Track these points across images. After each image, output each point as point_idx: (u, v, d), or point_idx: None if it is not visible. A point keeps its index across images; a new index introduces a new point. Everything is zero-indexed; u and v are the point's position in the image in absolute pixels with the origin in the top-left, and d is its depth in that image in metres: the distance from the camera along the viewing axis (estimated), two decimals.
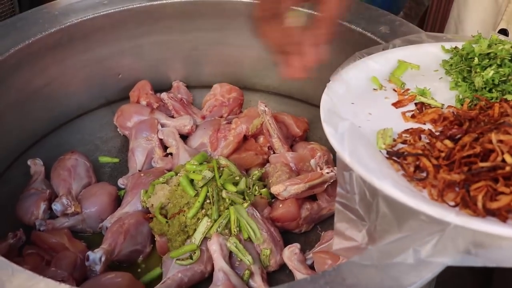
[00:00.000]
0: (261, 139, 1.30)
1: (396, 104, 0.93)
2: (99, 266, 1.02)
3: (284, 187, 1.12)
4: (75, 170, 1.22)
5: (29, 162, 1.24)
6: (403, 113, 0.90)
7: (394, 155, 0.79)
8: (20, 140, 1.29)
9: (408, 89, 0.96)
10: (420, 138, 0.83)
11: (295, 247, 1.08)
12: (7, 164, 1.26)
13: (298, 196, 1.14)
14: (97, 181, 1.25)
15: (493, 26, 1.29)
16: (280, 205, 1.14)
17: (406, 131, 0.85)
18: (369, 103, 0.92)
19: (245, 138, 1.30)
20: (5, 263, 0.77)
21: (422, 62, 1.01)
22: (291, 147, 1.30)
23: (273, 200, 1.16)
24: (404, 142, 0.83)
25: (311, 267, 1.08)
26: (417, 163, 0.77)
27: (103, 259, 1.03)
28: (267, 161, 1.26)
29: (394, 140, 0.83)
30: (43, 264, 1.05)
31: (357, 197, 0.78)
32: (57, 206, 1.13)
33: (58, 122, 1.36)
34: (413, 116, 0.90)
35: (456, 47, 1.00)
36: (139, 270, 1.10)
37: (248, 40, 1.39)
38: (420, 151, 0.78)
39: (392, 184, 0.71)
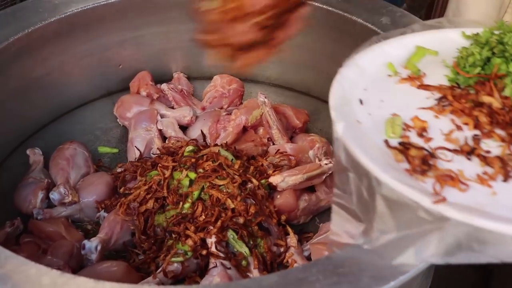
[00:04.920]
0: (261, 130, 1.29)
1: (421, 87, 0.89)
2: (95, 255, 1.02)
3: (282, 178, 1.11)
4: (74, 159, 1.22)
5: (28, 152, 1.25)
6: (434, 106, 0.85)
7: (402, 145, 0.76)
8: (20, 130, 1.30)
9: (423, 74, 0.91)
10: None
11: None
12: (7, 153, 1.26)
13: (296, 187, 1.13)
14: (95, 171, 1.24)
15: (496, 20, 1.27)
16: (278, 196, 1.13)
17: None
18: (382, 89, 0.88)
19: (245, 129, 1.29)
20: None
21: (442, 48, 0.94)
22: (291, 139, 1.30)
23: (271, 191, 1.15)
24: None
25: (309, 258, 1.08)
26: (425, 154, 0.74)
27: (99, 248, 1.03)
28: (267, 152, 1.25)
29: (403, 130, 0.80)
30: (39, 253, 1.05)
31: (354, 197, 0.75)
32: (54, 195, 1.13)
33: (58, 112, 1.36)
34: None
35: (477, 33, 0.94)
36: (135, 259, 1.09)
37: None
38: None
39: (393, 176, 0.69)
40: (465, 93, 0.85)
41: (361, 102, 0.84)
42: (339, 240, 0.76)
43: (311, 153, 1.21)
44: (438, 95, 0.86)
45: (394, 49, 0.94)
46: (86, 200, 1.15)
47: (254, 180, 1.10)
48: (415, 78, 0.90)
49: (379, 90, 0.88)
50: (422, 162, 0.73)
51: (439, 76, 0.90)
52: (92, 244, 1.03)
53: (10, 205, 1.17)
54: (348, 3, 1.25)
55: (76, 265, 1.05)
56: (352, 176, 0.75)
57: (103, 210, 1.13)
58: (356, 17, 1.22)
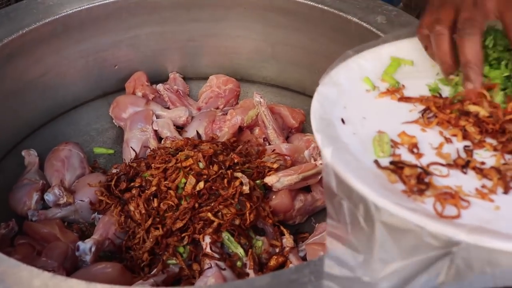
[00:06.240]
0: (257, 130, 1.29)
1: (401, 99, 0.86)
2: (89, 256, 1.02)
3: (277, 178, 1.11)
4: (69, 160, 1.22)
5: (23, 153, 1.24)
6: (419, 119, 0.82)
7: (394, 165, 0.73)
8: (16, 131, 1.30)
9: (402, 87, 0.88)
10: None
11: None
12: (2, 155, 1.26)
13: (292, 187, 1.13)
14: (91, 172, 1.24)
15: None
16: (274, 197, 1.13)
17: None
18: (363, 106, 0.84)
19: (241, 129, 1.29)
20: None
21: (417, 57, 0.91)
22: (287, 139, 1.29)
23: (266, 192, 1.15)
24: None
25: (304, 259, 1.07)
26: (420, 172, 0.71)
27: (93, 249, 1.02)
28: (263, 152, 1.25)
29: (392, 147, 0.76)
30: (34, 254, 1.05)
31: (349, 226, 0.70)
32: (49, 197, 1.12)
33: (54, 113, 1.36)
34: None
35: None
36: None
37: (245, 31, 1.40)
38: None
39: (392, 200, 0.64)
40: (448, 103, 0.82)
41: (343, 121, 0.80)
42: (335, 274, 0.71)
43: (306, 153, 1.21)
44: (421, 107, 0.83)
45: (369, 62, 0.90)
46: (81, 201, 1.15)
47: (239, 174, 1.10)
48: (395, 91, 0.86)
49: (359, 106, 0.84)
50: (418, 181, 0.70)
51: (419, 86, 0.87)
52: (87, 246, 1.03)
53: (5, 207, 1.17)
54: (344, 2, 1.24)
55: (71, 266, 1.04)
56: (346, 203, 0.70)
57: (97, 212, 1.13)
58: (351, 17, 1.21)
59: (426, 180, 0.70)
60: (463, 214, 0.66)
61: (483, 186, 0.70)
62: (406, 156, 0.75)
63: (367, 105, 0.85)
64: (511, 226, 0.63)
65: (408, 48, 0.92)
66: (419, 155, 0.75)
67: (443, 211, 0.66)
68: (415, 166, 0.72)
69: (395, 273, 0.67)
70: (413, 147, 0.76)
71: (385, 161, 0.73)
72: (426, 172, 0.71)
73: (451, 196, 0.67)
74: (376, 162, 0.73)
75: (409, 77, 0.89)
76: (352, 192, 0.68)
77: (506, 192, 0.69)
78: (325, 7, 1.24)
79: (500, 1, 0.81)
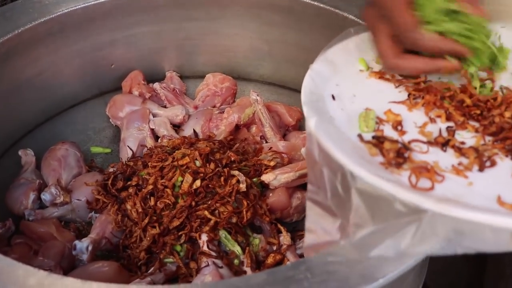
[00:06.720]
0: (254, 128, 1.29)
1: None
2: (86, 255, 1.02)
3: (274, 176, 1.11)
4: (66, 160, 1.21)
5: (20, 152, 1.24)
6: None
7: (376, 139, 0.76)
8: (12, 130, 1.29)
9: None
10: None
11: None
12: None
13: (289, 185, 1.13)
14: (88, 171, 1.24)
15: None
16: (271, 194, 1.13)
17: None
18: (355, 84, 0.89)
19: (238, 127, 1.29)
20: None
21: None
22: (284, 137, 1.29)
23: (263, 189, 1.15)
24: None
25: (301, 256, 1.07)
26: (400, 147, 0.74)
27: (90, 248, 1.02)
28: (260, 150, 1.25)
29: (377, 123, 0.80)
30: (31, 254, 1.05)
31: (328, 192, 0.75)
32: (46, 196, 1.12)
33: (50, 112, 1.36)
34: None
35: None
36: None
37: (241, 29, 1.40)
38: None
39: (368, 170, 0.69)
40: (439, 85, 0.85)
41: (333, 97, 0.84)
42: (314, 238, 0.75)
43: (303, 150, 1.20)
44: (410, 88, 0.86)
45: (366, 43, 0.93)
46: (77, 200, 1.15)
47: (236, 172, 1.10)
48: (385, 73, 0.90)
49: (351, 85, 0.88)
50: (396, 155, 0.73)
51: None
52: (83, 245, 1.02)
53: (1, 206, 1.16)
54: (340, 0, 1.24)
55: (68, 265, 1.04)
56: (326, 171, 0.74)
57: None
58: (347, 14, 1.21)
59: (406, 155, 0.73)
60: (437, 187, 0.69)
61: (460, 164, 0.73)
62: (389, 132, 0.79)
63: (358, 84, 0.89)
64: (481, 200, 0.67)
65: None
66: (402, 132, 0.79)
67: (417, 183, 0.69)
68: (396, 141, 0.75)
69: (367, 236, 0.70)
70: (397, 125, 0.79)
71: (368, 136, 0.77)
72: (406, 147, 0.74)
73: (426, 170, 0.71)
74: (359, 136, 0.77)
75: None
76: (332, 160, 0.72)
77: (481, 170, 0.72)
78: (321, 5, 1.24)
79: None
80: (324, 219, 0.76)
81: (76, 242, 1.03)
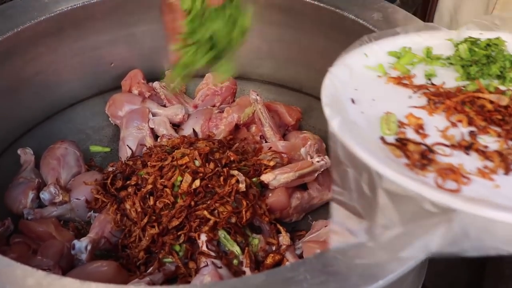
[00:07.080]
0: (253, 128, 1.29)
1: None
2: (85, 255, 1.02)
3: (274, 176, 1.11)
4: (65, 159, 1.21)
5: (19, 151, 1.24)
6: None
7: (399, 141, 0.76)
8: (11, 129, 1.29)
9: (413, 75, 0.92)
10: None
11: None
12: None
13: (288, 185, 1.12)
14: (87, 170, 1.24)
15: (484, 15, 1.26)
16: (270, 194, 1.12)
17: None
18: (373, 89, 0.88)
19: (237, 127, 1.29)
20: None
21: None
22: (284, 136, 1.29)
23: (263, 189, 1.15)
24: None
25: (301, 256, 1.07)
26: (423, 149, 0.74)
27: (89, 247, 1.02)
28: (259, 150, 1.24)
29: (398, 127, 0.79)
30: (30, 253, 1.05)
31: (354, 193, 0.74)
32: (44, 195, 1.12)
33: (50, 111, 1.36)
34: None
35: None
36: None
37: None
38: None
39: (395, 170, 0.68)
40: (453, 92, 0.85)
41: (353, 101, 0.84)
42: (340, 240, 0.74)
43: (303, 150, 1.20)
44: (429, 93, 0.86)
45: (383, 49, 0.94)
46: (77, 199, 1.15)
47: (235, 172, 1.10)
48: (405, 78, 0.90)
49: (370, 89, 0.88)
50: (421, 157, 0.73)
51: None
52: (82, 244, 1.02)
53: (0, 205, 1.16)
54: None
55: (67, 265, 1.04)
56: (351, 171, 0.73)
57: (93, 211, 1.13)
58: (347, 13, 1.21)
59: (430, 157, 0.73)
60: (463, 189, 0.68)
61: (485, 167, 0.72)
62: (411, 136, 0.78)
63: (377, 88, 0.88)
64: (510, 202, 0.66)
65: (424, 43, 0.96)
66: (424, 136, 0.78)
67: (444, 185, 0.68)
68: (420, 143, 0.75)
69: (396, 237, 0.69)
70: (419, 128, 0.79)
71: (390, 138, 0.77)
72: (430, 149, 0.74)
73: (453, 172, 0.70)
74: (382, 138, 0.77)
75: (420, 67, 0.93)
76: (357, 160, 0.71)
77: (507, 173, 0.71)
78: (321, 4, 1.24)
79: None
80: (349, 220, 0.74)
81: (75, 241, 1.03)
